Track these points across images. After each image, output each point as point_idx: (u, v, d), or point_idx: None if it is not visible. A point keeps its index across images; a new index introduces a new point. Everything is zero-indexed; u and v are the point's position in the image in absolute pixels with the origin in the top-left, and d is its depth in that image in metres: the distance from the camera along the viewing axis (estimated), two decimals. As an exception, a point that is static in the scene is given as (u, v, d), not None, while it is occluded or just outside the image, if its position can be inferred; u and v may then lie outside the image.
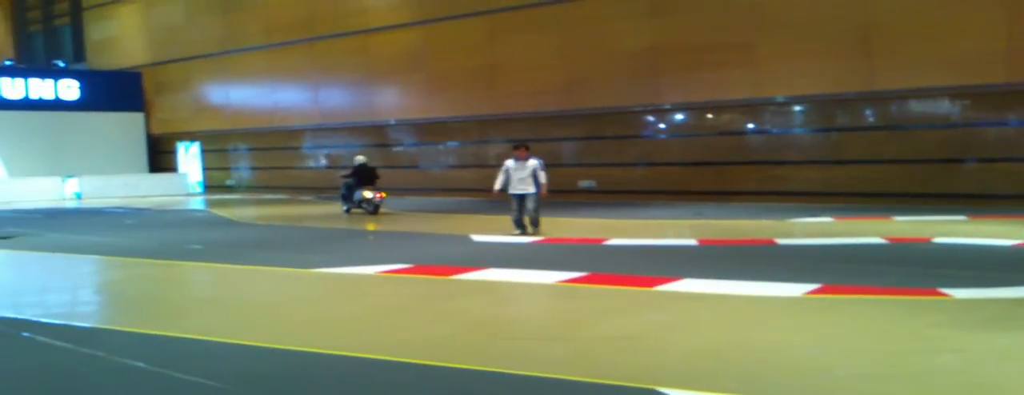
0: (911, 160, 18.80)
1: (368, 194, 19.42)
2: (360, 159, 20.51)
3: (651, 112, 22.95)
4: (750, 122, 21.57)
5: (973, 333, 5.97)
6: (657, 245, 12.31)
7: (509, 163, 13.44)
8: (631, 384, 4.80)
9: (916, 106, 19.06)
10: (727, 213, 17.89)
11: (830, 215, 16.44)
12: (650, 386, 4.73)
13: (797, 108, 20.87)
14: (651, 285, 8.37)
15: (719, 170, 21.77)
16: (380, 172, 20.81)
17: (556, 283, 8.70)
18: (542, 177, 13.33)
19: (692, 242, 12.51)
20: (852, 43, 18.89)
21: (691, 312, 7.06)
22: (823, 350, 5.61)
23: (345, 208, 20.09)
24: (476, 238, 13.63)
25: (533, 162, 13.36)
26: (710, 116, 22.24)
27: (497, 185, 13.60)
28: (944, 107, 18.74)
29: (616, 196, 23.07)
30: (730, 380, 4.90)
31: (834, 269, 9.50)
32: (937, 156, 18.56)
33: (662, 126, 23.08)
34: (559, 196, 23.20)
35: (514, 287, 8.67)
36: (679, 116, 22.70)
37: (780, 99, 20.67)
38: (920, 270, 9.31)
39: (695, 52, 21.03)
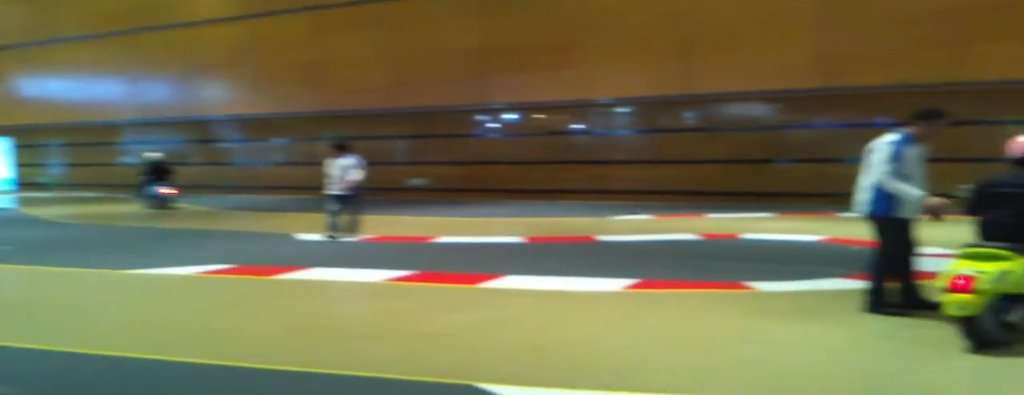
0: (726, 160, 19.79)
1: (160, 190, 19.71)
2: (153, 155, 20.66)
3: (480, 111, 23.16)
4: (577, 122, 22.13)
5: (774, 323, 6.31)
6: (485, 242, 12.42)
7: (328, 161, 12.99)
8: (452, 381, 4.82)
9: (731, 109, 20.08)
10: (554, 211, 18.27)
11: (650, 212, 17.07)
12: (470, 382, 4.76)
13: (621, 110, 21.56)
14: (476, 282, 8.43)
15: (547, 169, 22.21)
16: (202, 169, 20.26)
17: (383, 281, 8.63)
18: (356, 175, 12.69)
19: (519, 239, 12.71)
20: (673, 48, 19.68)
21: (515, 308, 7.15)
22: (640, 344, 5.80)
23: (145, 205, 20.06)
24: (301, 237, 13.35)
25: (349, 160, 12.79)
26: (538, 116, 22.66)
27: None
28: (757, 110, 19.83)
29: (446, 194, 23.15)
30: (549, 374, 4.99)
31: (651, 264, 9.86)
32: (750, 156, 19.62)
33: (491, 125, 23.32)
34: (388, 194, 23.09)
35: (340, 286, 8.54)
36: (508, 116, 23.01)
37: (605, 101, 21.30)
38: (728, 265, 9.79)
39: (523, 53, 21.38)
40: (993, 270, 5.29)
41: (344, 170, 12.76)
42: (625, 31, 20.21)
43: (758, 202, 18.65)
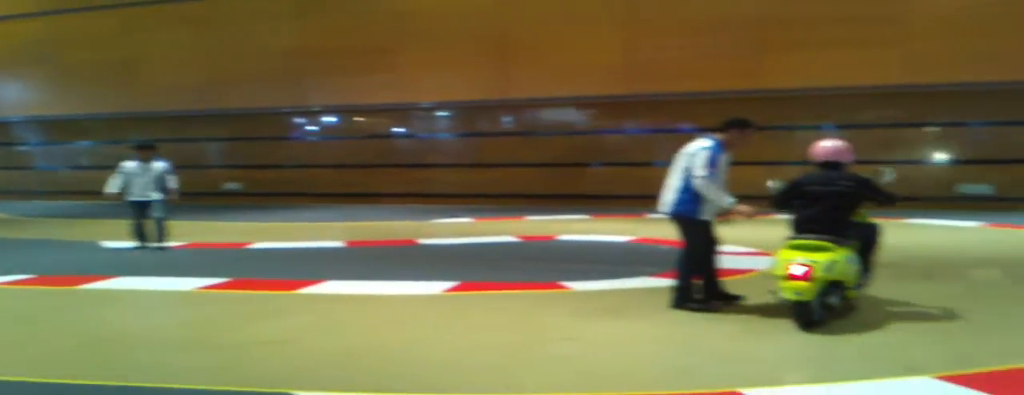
0: (543, 163, 20.28)
1: None
2: None
3: (299, 114, 22.75)
4: (397, 126, 22.10)
5: (588, 322, 6.55)
6: (304, 247, 12.21)
7: (129, 165, 11.77)
8: (267, 390, 4.73)
9: (547, 113, 20.60)
10: (375, 214, 18.17)
11: (470, 216, 17.27)
12: (286, 390, 4.69)
13: (440, 114, 21.70)
14: (295, 288, 8.29)
15: (367, 172, 22.05)
16: (1, 174, 18.90)
17: (195, 290, 8.34)
18: (172, 182, 11.85)
19: (339, 244, 12.57)
20: (490, 53, 19.99)
21: (333, 314, 7.08)
22: (456, 344, 5.88)
23: None
24: (108, 245, 12.70)
25: (160, 165, 11.85)
26: (358, 119, 22.48)
27: (111, 188, 11.76)
28: (571, 114, 20.43)
29: (264, 199, 22.59)
30: (366, 379, 4.98)
31: (471, 266, 10.00)
32: (565, 160, 20.18)
33: (310, 128, 22.95)
34: (201, 199, 22.29)
35: (149, 295, 8.18)
36: (327, 118, 22.71)
37: (424, 104, 21.38)
38: (546, 266, 10.07)
39: (341, 55, 21.17)
40: (823, 260, 6.04)
41: (158, 175, 11.77)
42: (443, 36, 20.35)
43: (573, 204, 19.22)
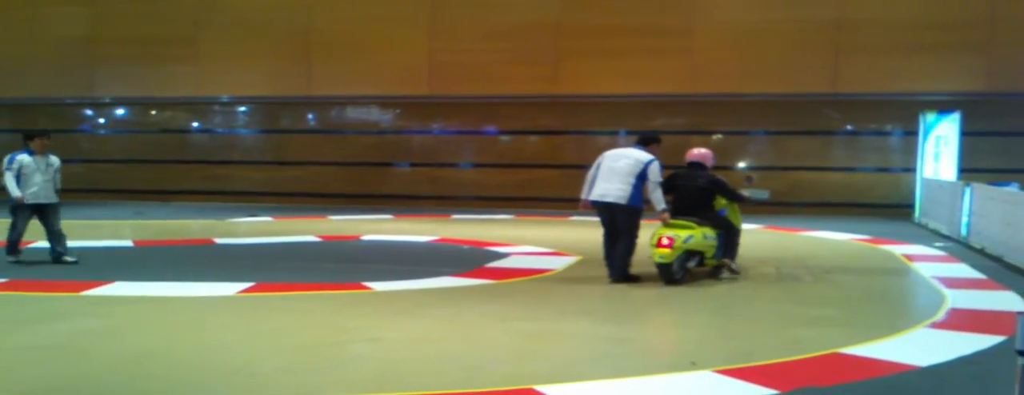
0: (347, 162, 20.09)
1: None
2: None
3: (87, 105, 21.47)
4: (194, 120, 21.30)
5: (389, 321, 6.59)
6: (90, 246, 11.53)
7: (24, 159, 9.66)
8: (45, 399, 4.50)
9: (351, 112, 20.45)
10: (168, 213, 17.42)
11: (270, 214, 16.89)
12: (67, 399, 4.48)
13: (241, 109, 21.09)
14: (80, 290, 7.85)
15: (161, 168, 21.09)
16: None
17: (-38, 293, 7.74)
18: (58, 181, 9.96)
19: (128, 243, 11.98)
20: (294, 49, 19.62)
21: (121, 317, 6.76)
22: (250, 348, 5.76)
23: None
24: None
25: (56, 159, 9.97)
26: (152, 112, 21.49)
27: (13, 189, 9.63)
28: (375, 114, 20.37)
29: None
30: (156, 385, 4.79)
31: (270, 267, 9.79)
32: (370, 159, 20.09)
33: (100, 121, 21.72)
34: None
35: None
36: (118, 111, 21.57)
37: (224, 99, 20.72)
38: (348, 266, 10.02)
39: (135, 44, 20.13)
40: (684, 234, 8.25)
41: (48, 171, 9.77)
42: (244, 27, 19.76)
43: (377, 204, 19.16)
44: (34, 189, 9.64)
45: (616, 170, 8.51)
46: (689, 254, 8.41)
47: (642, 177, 8.40)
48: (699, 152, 9.12)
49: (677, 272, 8.31)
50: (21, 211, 9.71)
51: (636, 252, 8.64)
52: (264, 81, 19.86)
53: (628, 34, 17.92)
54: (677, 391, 4.71)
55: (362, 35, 19.17)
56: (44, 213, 9.78)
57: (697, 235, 8.33)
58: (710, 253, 8.67)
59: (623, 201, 8.40)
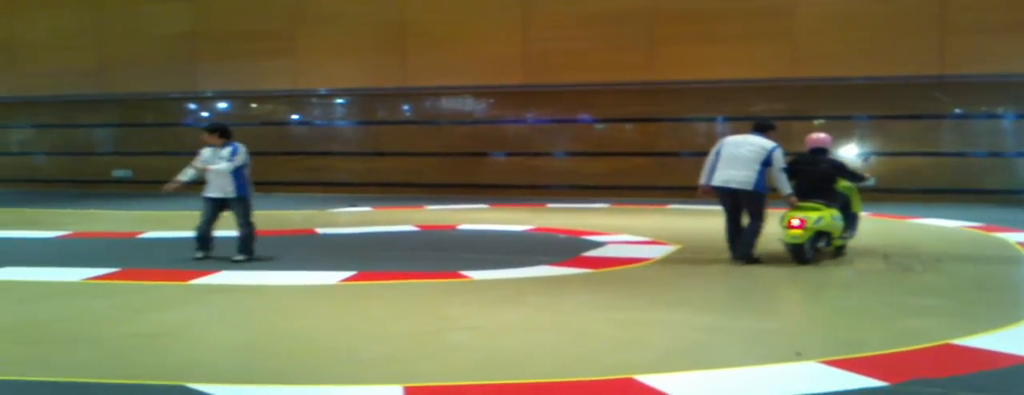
0: (442, 153, 20.25)
1: None
2: None
3: (190, 99, 22.15)
4: (293, 113, 21.76)
5: (487, 310, 6.62)
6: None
7: (204, 152, 9.67)
8: (161, 382, 4.62)
9: (446, 103, 20.58)
10: (270, 204, 17.84)
11: (369, 205, 17.15)
12: (180, 382, 4.60)
13: (339, 101, 21.44)
14: (188, 279, 8.10)
15: (264, 160, 21.54)
16: None
17: (82, 281, 8.07)
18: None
19: (234, 232, 12.32)
20: (388, 41, 19.84)
21: (228, 305, 6.96)
22: (353, 335, 5.86)
23: None
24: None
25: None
26: (253, 106, 22.04)
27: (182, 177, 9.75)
28: (470, 104, 20.46)
29: (156, 187, 21.87)
30: (261, 371, 4.92)
31: (370, 256, 9.94)
32: (465, 149, 20.19)
33: (203, 114, 22.38)
34: (91, 187, 21.57)
35: (32, 286, 7.87)
36: (220, 105, 22.19)
37: (322, 91, 21.10)
38: (446, 254, 10.10)
39: (236, 40, 20.69)
40: (814, 216, 8.58)
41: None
42: (339, 20, 20.08)
43: (473, 194, 19.25)
44: (209, 183, 9.49)
45: (739, 157, 8.81)
46: (818, 235, 8.82)
47: (766, 163, 8.73)
48: (819, 137, 9.43)
49: (808, 252, 8.70)
50: (204, 203, 9.55)
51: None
52: (359, 73, 20.15)
53: (725, 18, 17.57)
54: (780, 382, 4.60)
55: (455, 25, 19.28)
56: (222, 207, 9.56)
57: (826, 216, 8.71)
58: (837, 233, 9.05)
59: (749, 187, 8.70)
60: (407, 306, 6.83)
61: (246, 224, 9.47)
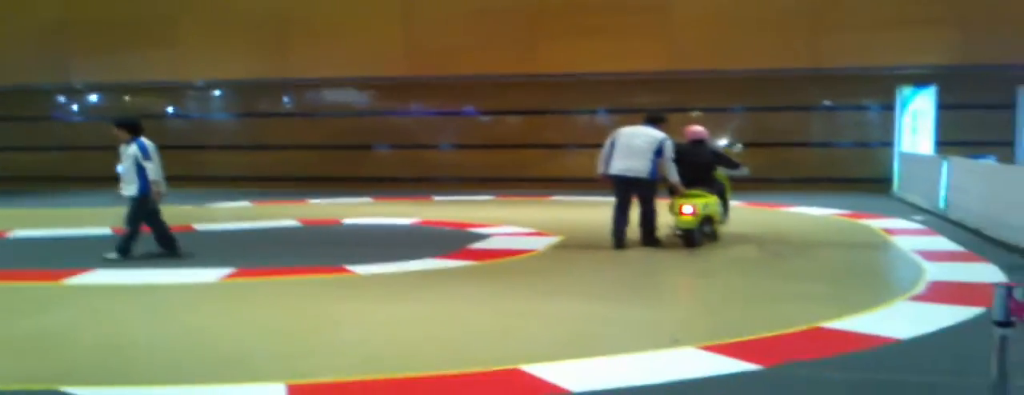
0: (325, 146, 20.00)
1: None
2: None
3: (62, 91, 21.24)
4: (171, 105, 21.11)
5: (373, 305, 6.58)
6: (70, 235, 11.45)
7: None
8: (34, 387, 4.45)
9: (328, 95, 20.34)
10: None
11: (249, 199, 16.79)
12: (53, 386, 4.43)
13: (217, 93, 20.91)
14: (59, 278, 7.78)
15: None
16: None
17: (-60, 284, 7.66)
18: (151, 170, 9.08)
19: (107, 231, 11.89)
20: (269, 32, 19.44)
21: (103, 305, 6.71)
22: (236, 334, 5.74)
23: None
24: None
25: (134, 148, 9.07)
26: (128, 98, 21.28)
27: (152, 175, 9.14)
28: (352, 96, 20.26)
29: (24, 183, 20.90)
30: (139, 372, 4.77)
31: (251, 253, 9.75)
32: (348, 142, 20.00)
33: (75, 107, 21.49)
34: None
35: None
36: (93, 97, 21.34)
37: (201, 83, 20.53)
38: (330, 250, 9.97)
39: (109, 29, 19.89)
40: (701, 202, 9.27)
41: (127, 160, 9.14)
42: (219, 10, 19.57)
43: (357, 187, 19.07)
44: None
45: (635, 147, 9.35)
46: (704, 220, 9.44)
47: (659, 153, 9.29)
48: (698, 129, 10.10)
49: (697, 236, 9.32)
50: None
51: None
52: (240, 65, 19.67)
53: (606, 12, 17.87)
54: (659, 368, 4.72)
55: (337, 15, 19.01)
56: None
57: (711, 203, 9.49)
58: (718, 217, 9.84)
59: (644, 175, 9.28)
60: (289, 302, 6.73)
61: (130, 223, 9.09)
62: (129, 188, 9.06)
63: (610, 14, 17.85)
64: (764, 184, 16.72)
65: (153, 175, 9.02)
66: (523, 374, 4.61)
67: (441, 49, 18.59)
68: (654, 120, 9.69)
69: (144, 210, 9.11)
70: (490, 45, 18.42)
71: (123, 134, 9.13)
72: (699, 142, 9.96)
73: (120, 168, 9.11)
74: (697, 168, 9.64)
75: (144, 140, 9.12)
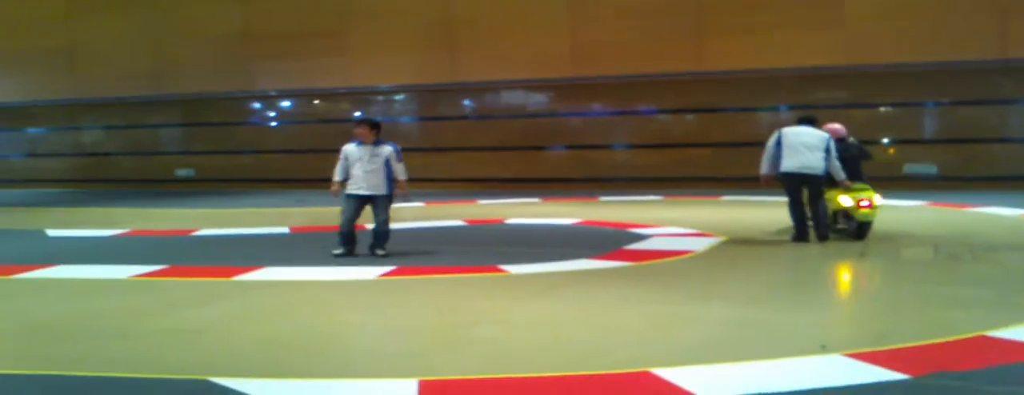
0: (496, 147, 20.32)
1: None
2: None
3: (250, 98, 22.61)
4: (351, 110, 22.03)
5: (518, 304, 6.62)
6: (248, 234, 12.17)
7: (349, 148, 9.52)
8: (185, 376, 4.72)
9: (498, 97, 20.65)
10: (327, 201, 18.09)
11: (423, 200, 17.27)
12: (204, 377, 4.70)
13: (394, 97, 21.66)
14: (230, 275, 8.25)
15: (323, 157, 21.86)
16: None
17: (129, 278, 8.29)
18: (400, 171, 9.57)
19: (284, 230, 12.53)
20: (437, 37, 19.96)
21: (265, 300, 7.06)
22: (381, 330, 5.91)
23: None
24: (53, 233, 12.57)
25: (387, 148, 9.46)
26: (313, 103, 22.40)
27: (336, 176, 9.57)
28: (521, 98, 20.48)
29: (218, 185, 22.44)
30: (284, 366, 4.99)
31: (414, 251, 10.02)
32: (518, 144, 20.24)
33: (263, 113, 22.82)
34: (154, 185, 22.16)
35: (82, 284, 8.10)
36: (280, 103, 22.59)
37: (372, 88, 21.37)
38: (489, 249, 10.12)
39: (288, 39, 21.06)
40: (872, 195, 9.54)
41: (376, 160, 9.42)
42: (389, 18, 20.30)
43: (528, 188, 19.28)
44: (357, 180, 9.35)
45: (808, 145, 9.58)
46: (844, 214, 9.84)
47: (827, 151, 9.56)
48: (838, 127, 10.39)
49: (866, 229, 9.71)
50: (347, 200, 9.45)
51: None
52: (409, 69, 20.44)
53: (775, 7, 17.28)
54: (797, 375, 4.50)
55: (503, 19, 19.44)
56: (368, 205, 9.47)
57: (875, 196, 9.69)
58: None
59: (819, 172, 9.56)
60: (437, 301, 6.86)
61: (387, 220, 9.54)
62: (379, 187, 9.36)
63: (779, 7, 17.23)
64: (954, 183, 15.70)
65: (401, 175, 9.45)
66: (653, 377, 4.50)
67: (607, 49, 18.52)
68: (811, 121, 9.96)
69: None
70: (655, 43, 18.19)
71: (370, 135, 9.37)
72: (840, 140, 10.19)
73: (363, 168, 9.28)
74: (848, 164, 9.88)
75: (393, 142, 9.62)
